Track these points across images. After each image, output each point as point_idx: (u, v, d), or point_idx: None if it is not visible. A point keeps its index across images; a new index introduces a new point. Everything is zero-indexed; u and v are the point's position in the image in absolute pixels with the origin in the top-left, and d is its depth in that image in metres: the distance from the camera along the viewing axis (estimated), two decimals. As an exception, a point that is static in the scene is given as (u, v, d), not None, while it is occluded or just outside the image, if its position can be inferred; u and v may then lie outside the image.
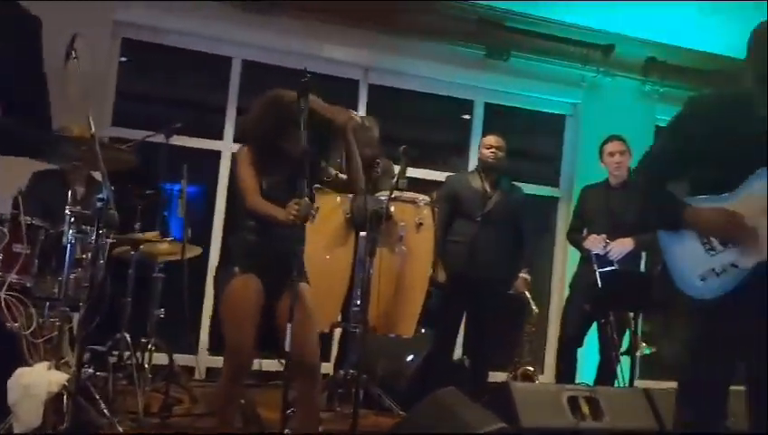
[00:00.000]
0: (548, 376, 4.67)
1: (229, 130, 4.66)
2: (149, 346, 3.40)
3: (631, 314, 3.88)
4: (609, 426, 2.77)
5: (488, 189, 3.95)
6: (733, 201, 2.00)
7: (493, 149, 3.97)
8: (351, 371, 3.46)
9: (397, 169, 3.47)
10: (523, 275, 3.97)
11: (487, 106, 5.15)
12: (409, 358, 3.79)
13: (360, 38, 4.70)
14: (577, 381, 3.92)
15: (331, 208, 3.36)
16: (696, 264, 2.00)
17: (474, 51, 4.89)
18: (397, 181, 3.31)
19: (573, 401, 2.83)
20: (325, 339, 3.76)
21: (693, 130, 2.07)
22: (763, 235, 1.96)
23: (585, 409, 2.80)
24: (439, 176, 4.69)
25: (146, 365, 3.30)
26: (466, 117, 5.15)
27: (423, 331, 3.80)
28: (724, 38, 4.65)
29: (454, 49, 4.86)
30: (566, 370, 4.05)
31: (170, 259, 3.59)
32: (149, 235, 3.44)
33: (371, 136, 3.65)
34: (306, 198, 2.29)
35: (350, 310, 3.36)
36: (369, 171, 3.34)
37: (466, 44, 4.86)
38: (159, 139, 3.57)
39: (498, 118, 5.15)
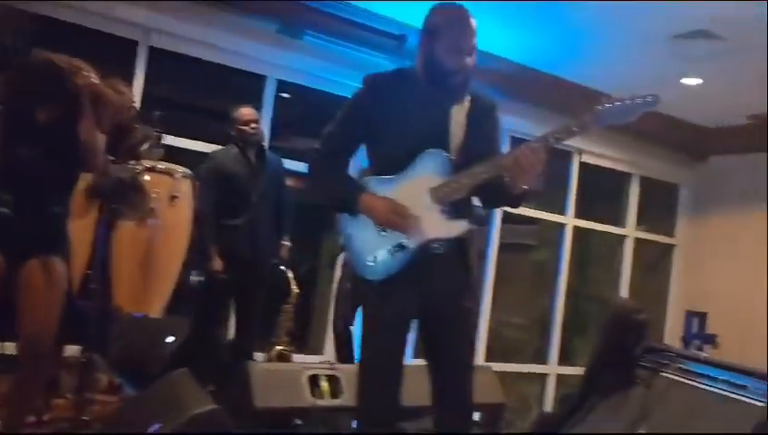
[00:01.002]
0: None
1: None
2: None
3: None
4: (346, 403, 2.81)
5: (257, 166, 3.86)
6: (401, 183, 2.03)
7: (253, 124, 3.88)
8: (86, 353, 3.17)
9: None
10: (285, 242, 3.96)
11: (280, 83, 5.03)
12: (168, 340, 3.58)
13: (143, -4, 4.34)
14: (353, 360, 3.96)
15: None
16: (370, 245, 2.04)
17: (266, 25, 4.73)
18: (148, 149, 3.08)
19: (314, 380, 2.84)
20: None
21: (367, 109, 2.09)
22: (426, 215, 2.00)
23: (324, 387, 2.82)
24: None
25: None
26: (259, 91, 4.98)
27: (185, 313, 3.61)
28: (504, 41, 4.98)
29: (245, 21, 4.66)
30: (339, 347, 4.11)
31: None
32: None
33: (124, 101, 3.36)
34: None
35: (89, 287, 3.08)
36: (125, 139, 3.10)
37: (258, 17, 4.69)
38: None
39: (295, 96, 5.05)
